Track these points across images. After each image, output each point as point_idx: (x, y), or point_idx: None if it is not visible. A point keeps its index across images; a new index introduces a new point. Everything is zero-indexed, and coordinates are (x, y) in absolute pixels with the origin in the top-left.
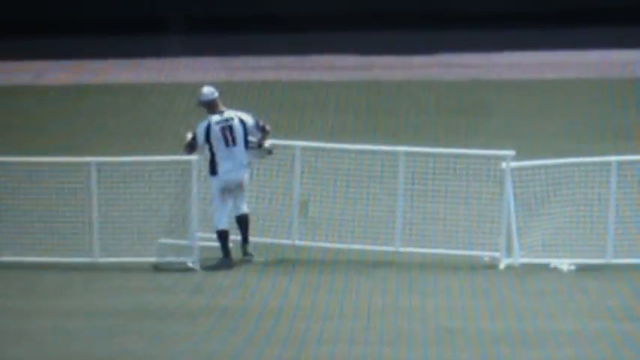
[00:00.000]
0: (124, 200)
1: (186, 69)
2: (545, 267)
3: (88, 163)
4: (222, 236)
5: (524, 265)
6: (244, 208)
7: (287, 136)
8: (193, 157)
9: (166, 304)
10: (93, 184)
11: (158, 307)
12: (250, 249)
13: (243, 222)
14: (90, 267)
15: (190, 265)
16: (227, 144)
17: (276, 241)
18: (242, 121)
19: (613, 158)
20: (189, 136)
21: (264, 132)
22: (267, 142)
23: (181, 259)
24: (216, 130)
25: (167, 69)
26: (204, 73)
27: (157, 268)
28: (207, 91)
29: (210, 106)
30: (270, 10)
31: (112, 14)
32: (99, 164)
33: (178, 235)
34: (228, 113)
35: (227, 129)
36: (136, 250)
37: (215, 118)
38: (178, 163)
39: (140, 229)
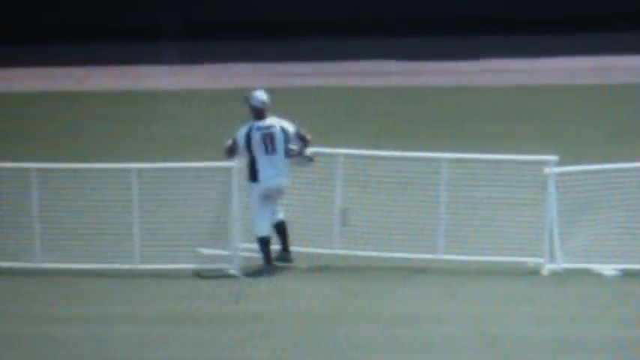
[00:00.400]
0: (164, 207)
1: (224, 75)
2: (589, 272)
3: (128, 169)
4: (264, 243)
5: (567, 271)
6: (281, 216)
7: (327, 143)
8: (233, 164)
9: (207, 311)
10: (134, 190)
11: (199, 314)
12: (291, 257)
13: (281, 229)
14: (130, 274)
15: (231, 271)
16: (267, 151)
17: (317, 250)
18: (283, 129)
19: None
20: (229, 141)
21: (304, 141)
22: (309, 151)
23: (222, 265)
24: (256, 137)
25: (207, 75)
26: (242, 80)
27: (198, 274)
28: (260, 97)
29: (257, 113)
30: (311, 16)
31: (155, 20)
32: (140, 170)
33: (219, 243)
34: (271, 120)
35: (267, 136)
36: (176, 256)
37: (257, 124)
38: (219, 169)
39: (180, 235)
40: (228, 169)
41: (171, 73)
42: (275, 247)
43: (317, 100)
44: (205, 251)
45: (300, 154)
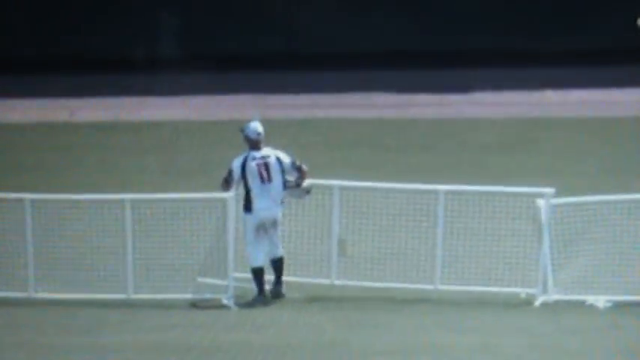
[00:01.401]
0: (158, 237)
1: (220, 107)
2: (582, 304)
3: (122, 200)
4: (258, 273)
5: (560, 302)
6: (280, 251)
7: (322, 174)
8: (228, 194)
9: (201, 341)
10: (127, 221)
11: (193, 344)
12: (283, 290)
13: (278, 266)
14: (124, 304)
15: (225, 302)
16: (262, 181)
17: (314, 280)
18: (279, 160)
19: None
20: (225, 173)
21: (300, 172)
22: (306, 182)
23: (216, 295)
24: (252, 166)
25: (202, 107)
26: (240, 111)
27: (192, 304)
28: (255, 128)
29: (252, 143)
30: (305, 49)
31: (144, 52)
32: (133, 201)
33: (214, 273)
34: (266, 151)
35: (263, 166)
36: (170, 286)
37: (253, 154)
38: (213, 200)
39: (174, 266)
40: (223, 201)
41: (163, 104)
42: (268, 277)
43: (310, 132)
44: (203, 280)
45: (298, 185)
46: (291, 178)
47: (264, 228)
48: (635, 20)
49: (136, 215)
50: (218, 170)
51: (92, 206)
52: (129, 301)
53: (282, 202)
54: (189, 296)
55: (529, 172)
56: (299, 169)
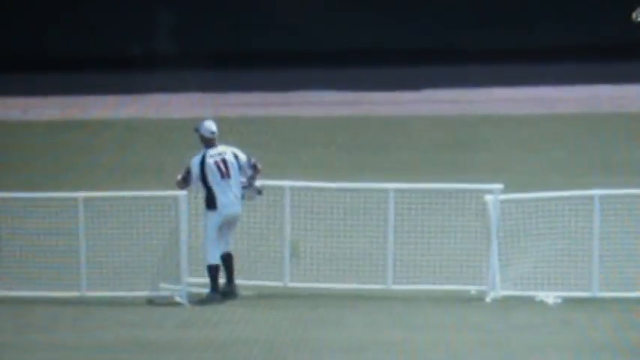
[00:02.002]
0: (110, 235)
1: (172, 105)
2: (532, 300)
3: (75, 198)
4: (214, 271)
5: (511, 298)
6: (229, 248)
7: (274, 173)
8: (181, 193)
9: (155, 338)
10: (80, 219)
11: (146, 341)
12: (236, 289)
13: (229, 263)
14: (78, 301)
15: (179, 299)
16: (222, 176)
17: (266, 283)
18: (235, 156)
19: (595, 192)
20: (182, 172)
21: (255, 170)
22: (257, 182)
23: (169, 293)
24: (210, 163)
25: (155, 105)
26: (190, 109)
27: (146, 302)
28: (208, 127)
29: (206, 142)
30: (257, 47)
31: (96, 51)
32: (86, 199)
33: (168, 272)
34: (222, 148)
35: (221, 162)
36: (124, 284)
37: (210, 151)
38: (165, 198)
39: (127, 263)
40: (176, 198)
41: (117, 103)
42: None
43: (262, 130)
44: (164, 286)
45: (249, 185)
46: (243, 177)
47: (227, 225)
48: (632, 14)
49: (89, 213)
50: (172, 169)
51: (46, 204)
52: (83, 298)
53: (242, 198)
54: (143, 293)
55: (479, 169)
56: (254, 167)
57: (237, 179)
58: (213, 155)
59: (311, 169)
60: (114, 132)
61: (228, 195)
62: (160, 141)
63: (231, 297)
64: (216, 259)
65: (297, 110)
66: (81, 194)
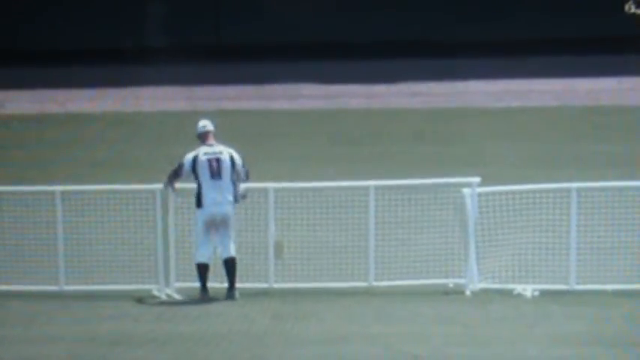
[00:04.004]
0: (89, 228)
1: (147, 98)
2: (510, 293)
3: (52, 192)
4: (201, 269)
5: (489, 291)
6: (231, 251)
7: (251, 166)
8: (157, 186)
9: (133, 332)
10: (58, 213)
11: (124, 335)
12: (236, 295)
13: (229, 268)
14: (56, 295)
15: (156, 293)
16: (212, 176)
17: (252, 285)
18: (232, 158)
19: (573, 185)
20: (175, 165)
21: (247, 175)
22: (241, 187)
23: (147, 286)
24: (203, 160)
25: (131, 98)
26: (167, 103)
27: (123, 296)
28: (200, 123)
29: (201, 138)
30: (231, 40)
31: (76, 44)
32: (64, 193)
33: (145, 265)
34: (219, 147)
35: (214, 161)
36: (102, 278)
37: (204, 149)
38: (143, 192)
39: (105, 257)
40: (153, 192)
41: (95, 96)
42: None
43: (236, 123)
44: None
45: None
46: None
47: (215, 225)
48: (625, 7)
49: (67, 207)
50: (148, 162)
51: (23, 198)
52: (61, 292)
53: (234, 201)
54: (120, 287)
55: (456, 162)
56: (247, 174)
57: (228, 180)
58: (208, 153)
59: (287, 161)
60: (89, 126)
61: (216, 194)
62: (135, 134)
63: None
64: (203, 258)
65: (271, 103)
66: (58, 188)
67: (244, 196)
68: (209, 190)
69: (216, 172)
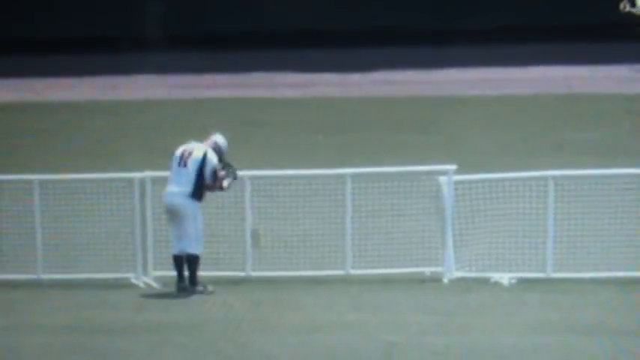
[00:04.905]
0: (67, 217)
1: (124, 87)
2: (487, 281)
3: (30, 181)
4: (174, 261)
5: (466, 280)
6: (189, 249)
7: (227, 155)
8: (135, 175)
9: (111, 321)
10: (35, 202)
11: (102, 324)
12: (187, 286)
13: (188, 265)
14: (34, 284)
15: (134, 281)
16: (179, 164)
17: (229, 273)
18: (205, 155)
19: (549, 173)
20: None
21: (215, 177)
22: (225, 182)
23: (125, 275)
24: (177, 151)
25: (108, 86)
26: (145, 91)
27: (101, 284)
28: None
29: None
30: (206, 28)
31: (53, 33)
32: (41, 182)
33: (122, 254)
34: (198, 145)
35: (187, 153)
36: (80, 266)
37: (189, 142)
38: (120, 180)
39: (84, 245)
40: (130, 181)
41: (73, 85)
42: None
43: (212, 112)
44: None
45: (221, 188)
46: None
47: (173, 217)
48: (619, 5)
49: (45, 196)
50: (126, 150)
51: (1, 187)
52: (39, 281)
53: (191, 197)
54: (99, 276)
55: (432, 151)
56: (215, 174)
57: (191, 174)
58: (186, 145)
59: (262, 150)
60: (67, 114)
61: (174, 185)
62: (113, 123)
63: (185, 292)
64: (172, 249)
65: (248, 92)
66: (36, 177)
67: (227, 178)
68: (170, 180)
69: (182, 161)
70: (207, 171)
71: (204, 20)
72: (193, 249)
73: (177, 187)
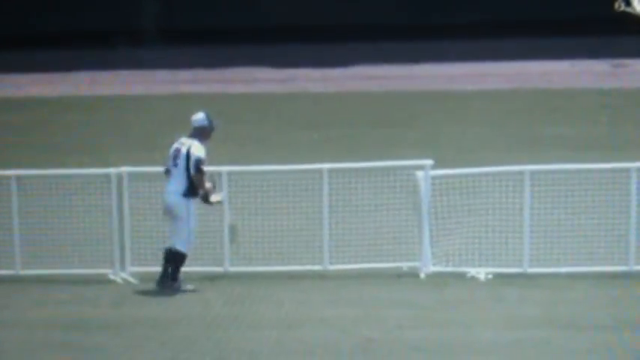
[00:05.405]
0: (44, 213)
1: (102, 82)
2: (463, 276)
3: (7, 177)
4: (163, 255)
5: (443, 274)
6: (174, 244)
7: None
8: (112, 170)
9: (90, 316)
10: (13, 197)
11: (80, 320)
12: (166, 283)
13: (167, 256)
14: (12, 279)
15: (112, 277)
16: (174, 164)
17: (207, 268)
18: (188, 150)
19: (526, 167)
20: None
21: (197, 169)
22: (214, 197)
23: (103, 271)
24: (171, 149)
25: (85, 82)
26: (124, 87)
27: (80, 280)
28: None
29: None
30: (186, 23)
31: (33, 29)
32: (18, 178)
33: (101, 249)
34: (186, 140)
35: (176, 150)
36: (58, 262)
37: (181, 138)
38: (98, 176)
39: (62, 241)
40: (108, 176)
41: (51, 80)
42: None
43: (191, 107)
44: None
45: (205, 199)
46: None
47: (168, 214)
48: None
49: (22, 191)
50: (104, 146)
51: None
52: (17, 277)
53: (183, 194)
54: (77, 272)
55: (409, 145)
56: (197, 166)
57: (181, 171)
58: (177, 143)
59: (241, 145)
60: (45, 110)
61: (169, 183)
62: (91, 118)
63: (163, 287)
64: (179, 246)
65: (227, 87)
66: (13, 172)
67: (212, 192)
68: (169, 178)
69: (174, 160)
70: (191, 164)
71: (182, 15)
72: (180, 246)
73: (172, 186)
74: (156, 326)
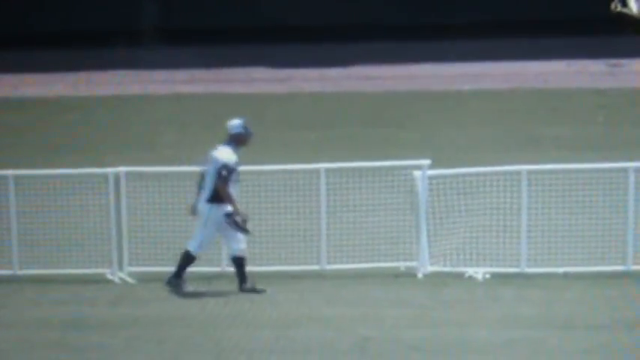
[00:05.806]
0: (42, 212)
1: (99, 82)
2: (461, 276)
3: (5, 177)
4: (184, 257)
5: (441, 274)
6: (189, 245)
7: (203, 151)
8: (110, 170)
9: (87, 316)
10: (11, 197)
11: (78, 319)
12: (245, 287)
13: (235, 263)
14: (10, 279)
15: (110, 277)
16: (208, 169)
17: (204, 268)
18: (216, 157)
19: (523, 167)
20: None
21: (219, 176)
22: (239, 218)
23: (101, 270)
24: (208, 155)
25: (82, 82)
26: (120, 87)
27: (77, 279)
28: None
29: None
30: (183, 23)
31: (29, 28)
32: (16, 177)
33: (99, 249)
34: (222, 146)
35: (211, 156)
36: (56, 262)
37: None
38: (96, 176)
39: (59, 241)
40: (105, 176)
41: (48, 80)
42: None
43: (188, 107)
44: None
45: (229, 217)
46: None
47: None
48: (611, 5)
49: (20, 191)
50: (102, 146)
51: None
52: (15, 276)
53: (209, 201)
54: (74, 271)
55: (407, 145)
56: (219, 174)
57: (210, 179)
58: (213, 150)
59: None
60: (42, 110)
61: (201, 188)
62: (88, 119)
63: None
64: (189, 245)
65: (225, 87)
66: (10, 172)
67: (243, 222)
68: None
69: (207, 168)
70: (216, 170)
71: (180, 16)
72: (191, 246)
73: (203, 192)
74: (153, 326)
